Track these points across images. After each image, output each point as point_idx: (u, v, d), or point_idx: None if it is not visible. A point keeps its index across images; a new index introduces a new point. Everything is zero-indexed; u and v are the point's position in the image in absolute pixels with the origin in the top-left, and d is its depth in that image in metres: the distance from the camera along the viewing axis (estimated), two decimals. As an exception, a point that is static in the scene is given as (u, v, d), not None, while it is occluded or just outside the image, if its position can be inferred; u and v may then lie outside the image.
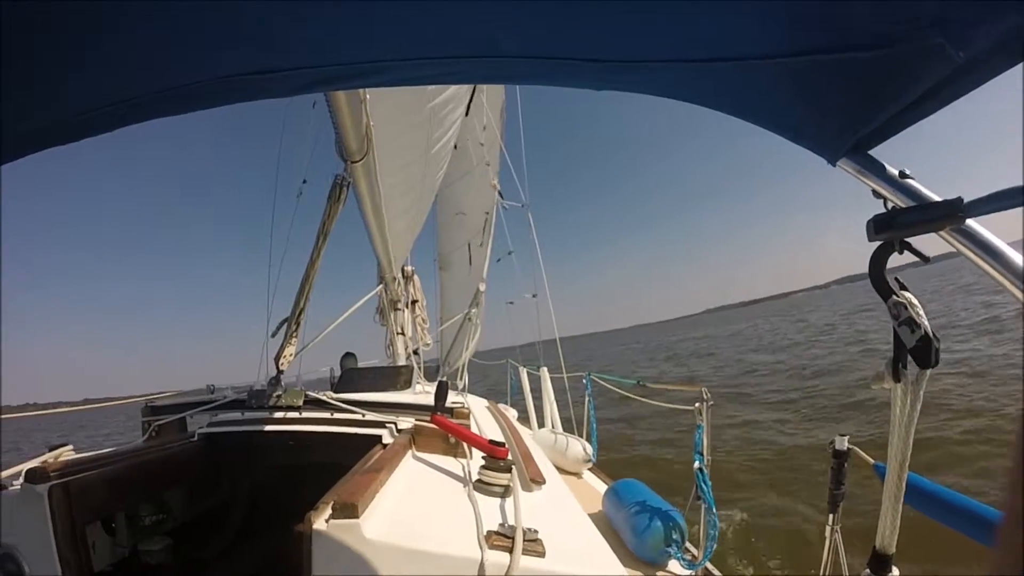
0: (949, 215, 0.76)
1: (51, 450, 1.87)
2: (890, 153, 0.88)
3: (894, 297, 0.87)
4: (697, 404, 2.64)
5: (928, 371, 0.86)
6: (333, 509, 1.10)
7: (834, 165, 0.92)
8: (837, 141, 0.90)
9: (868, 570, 1.07)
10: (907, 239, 0.85)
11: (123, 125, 0.95)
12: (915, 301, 0.86)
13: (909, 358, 0.87)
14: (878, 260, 0.89)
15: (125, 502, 1.93)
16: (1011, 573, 0.32)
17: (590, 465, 4.31)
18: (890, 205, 0.85)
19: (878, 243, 0.88)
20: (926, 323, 0.84)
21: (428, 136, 3.83)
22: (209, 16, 0.73)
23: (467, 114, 5.78)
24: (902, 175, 0.84)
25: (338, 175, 2.78)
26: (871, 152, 0.89)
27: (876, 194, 0.87)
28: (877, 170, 0.87)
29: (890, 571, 1.06)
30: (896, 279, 0.90)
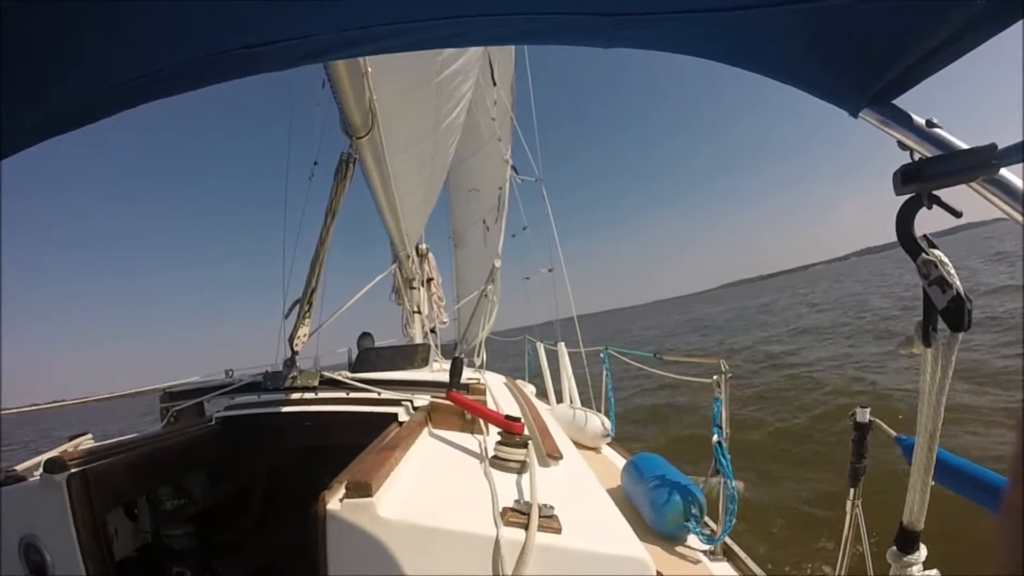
0: (982, 164, 0.69)
1: (71, 440, 1.90)
2: (915, 104, 0.81)
3: (923, 255, 0.81)
4: (715, 377, 2.59)
5: (960, 334, 0.80)
6: (347, 489, 1.09)
7: (856, 117, 0.86)
8: (859, 91, 0.84)
9: (895, 547, 1.03)
10: (936, 192, 0.78)
11: (121, 109, 0.94)
12: (946, 259, 0.79)
13: (940, 320, 0.81)
14: (906, 215, 0.82)
15: (145, 488, 1.97)
16: (1012, 572, 0.30)
17: (609, 440, 4.30)
18: (916, 157, 0.79)
19: (905, 198, 0.81)
20: (958, 282, 0.77)
21: (437, 110, 3.77)
22: None
23: (494, 83, 5.67)
24: (929, 124, 0.78)
25: (344, 152, 2.75)
26: (895, 102, 0.82)
27: (902, 145, 0.80)
28: (902, 120, 0.80)
29: (917, 549, 1.01)
30: (925, 236, 0.83)
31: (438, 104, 3.74)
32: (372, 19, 0.83)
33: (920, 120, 0.79)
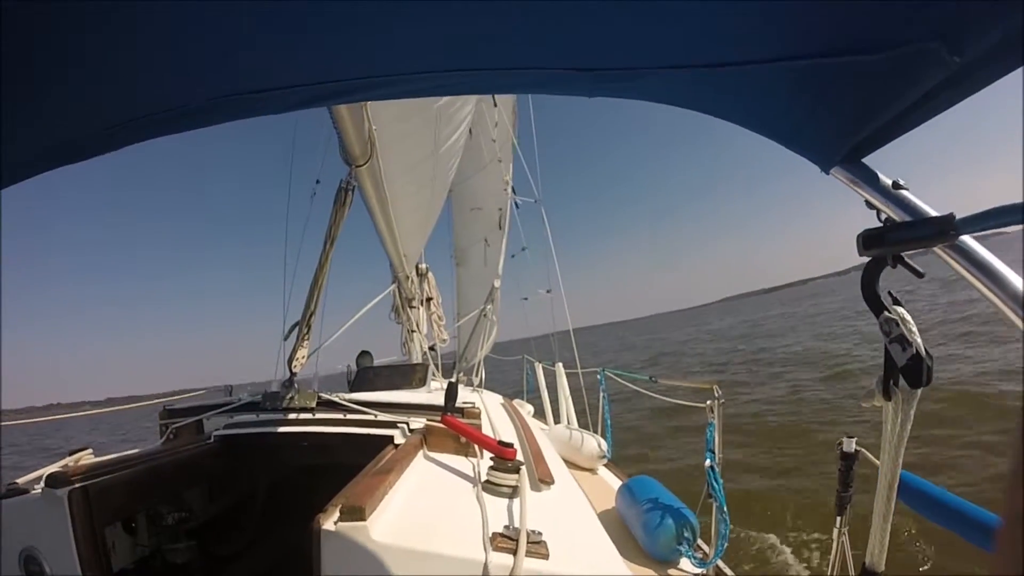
0: (941, 233, 0.73)
1: (71, 454, 1.94)
2: (888, 165, 0.85)
3: (886, 313, 0.85)
4: (708, 402, 2.61)
5: (919, 390, 0.83)
6: (341, 512, 1.13)
7: (827, 173, 0.90)
8: (832, 148, 0.87)
9: None
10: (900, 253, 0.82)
11: (122, 146, 0.97)
12: (908, 317, 0.83)
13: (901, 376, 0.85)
14: (870, 275, 0.86)
15: (144, 504, 1.99)
16: (1013, 573, 0.31)
17: (605, 461, 4.29)
18: (883, 216, 0.83)
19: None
20: (919, 340, 0.81)
21: (436, 135, 3.81)
22: (206, 38, 0.75)
23: (494, 104, 5.79)
24: (895, 185, 0.81)
25: (343, 180, 2.79)
26: (865, 160, 0.86)
27: (869, 205, 0.84)
28: (870, 180, 0.84)
29: None
30: (889, 293, 0.87)
31: (438, 128, 3.78)
32: (366, 71, 0.88)
33: (887, 181, 0.82)
